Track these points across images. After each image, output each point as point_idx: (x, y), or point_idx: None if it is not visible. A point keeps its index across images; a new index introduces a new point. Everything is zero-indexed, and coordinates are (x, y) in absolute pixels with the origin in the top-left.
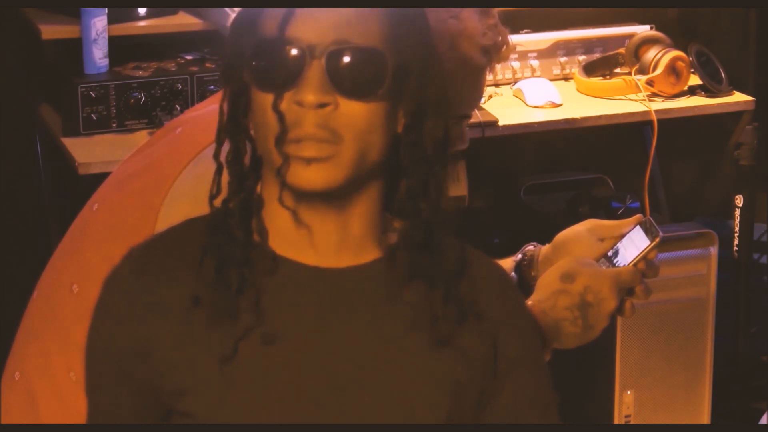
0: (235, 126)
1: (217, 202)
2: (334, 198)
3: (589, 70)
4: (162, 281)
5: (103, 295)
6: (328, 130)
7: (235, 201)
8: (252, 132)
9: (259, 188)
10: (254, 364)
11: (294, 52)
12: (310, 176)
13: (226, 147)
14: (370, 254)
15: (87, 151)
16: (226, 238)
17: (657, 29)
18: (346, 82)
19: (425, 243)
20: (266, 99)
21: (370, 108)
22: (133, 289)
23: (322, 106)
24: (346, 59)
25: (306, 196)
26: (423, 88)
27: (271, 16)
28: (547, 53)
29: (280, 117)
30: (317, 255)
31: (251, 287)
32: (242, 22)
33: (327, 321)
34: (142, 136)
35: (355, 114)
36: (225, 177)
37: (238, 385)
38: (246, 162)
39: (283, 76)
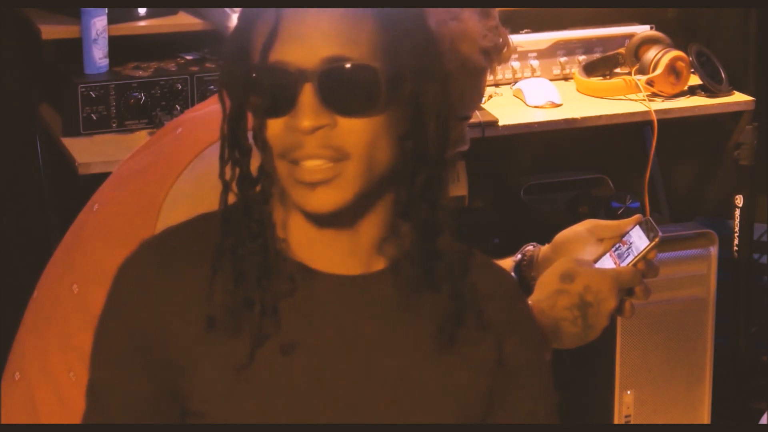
0: (238, 149)
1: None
2: (344, 216)
3: (589, 70)
4: (178, 274)
5: (117, 283)
6: (331, 148)
7: (248, 221)
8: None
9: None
10: (269, 370)
11: (285, 78)
12: (316, 200)
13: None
14: (381, 262)
15: (87, 151)
16: (244, 251)
17: (657, 29)
18: (341, 102)
19: (429, 245)
20: (267, 124)
21: (368, 122)
22: (149, 277)
23: (319, 128)
24: (338, 79)
25: (315, 219)
26: (420, 92)
27: (259, 39)
28: (547, 53)
29: (262, 145)
30: (329, 262)
31: (270, 295)
32: (233, 47)
33: (340, 329)
34: (142, 136)
35: (355, 130)
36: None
37: (251, 390)
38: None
39: (277, 103)
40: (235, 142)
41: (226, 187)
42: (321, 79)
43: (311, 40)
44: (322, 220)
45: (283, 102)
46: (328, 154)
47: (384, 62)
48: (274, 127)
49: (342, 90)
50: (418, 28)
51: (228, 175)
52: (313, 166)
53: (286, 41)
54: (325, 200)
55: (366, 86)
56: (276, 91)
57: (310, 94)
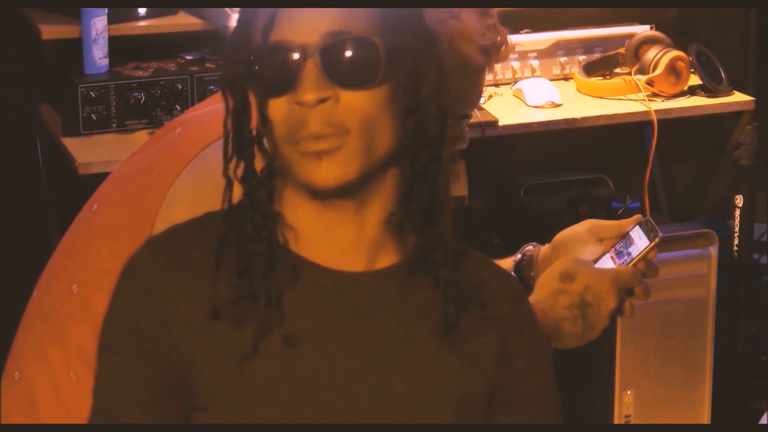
0: (242, 143)
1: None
2: (350, 195)
3: (589, 70)
4: (183, 269)
5: (123, 280)
6: (333, 125)
7: (253, 214)
8: (263, 139)
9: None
10: (272, 363)
11: (287, 55)
12: (323, 173)
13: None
14: (386, 259)
15: (87, 151)
16: (248, 244)
17: (657, 29)
18: (343, 74)
19: (430, 231)
20: (269, 105)
21: (370, 95)
22: (154, 273)
23: (323, 101)
24: (339, 52)
25: (322, 195)
26: (419, 68)
27: (259, 23)
28: (547, 53)
29: (265, 122)
30: (334, 257)
31: (274, 288)
32: (234, 39)
33: (343, 324)
34: (142, 136)
35: (357, 103)
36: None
37: (255, 382)
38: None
39: (281, 80)
40: (239, 136)
41: (229, 183)
42: (323, 52)
43: (311, 18)
44: (329, 199)
45: (286, 78)
46: (329, 131)
47: (383, 36)
48: (278, 108)
49: (344, 62)
50: (415, 20)
51: (232, 170)
52: (317, 140)
53: (286, 22)
54: (331, 173)
55: (366, 58)
56: (279, 68)
57: (313, 68)
